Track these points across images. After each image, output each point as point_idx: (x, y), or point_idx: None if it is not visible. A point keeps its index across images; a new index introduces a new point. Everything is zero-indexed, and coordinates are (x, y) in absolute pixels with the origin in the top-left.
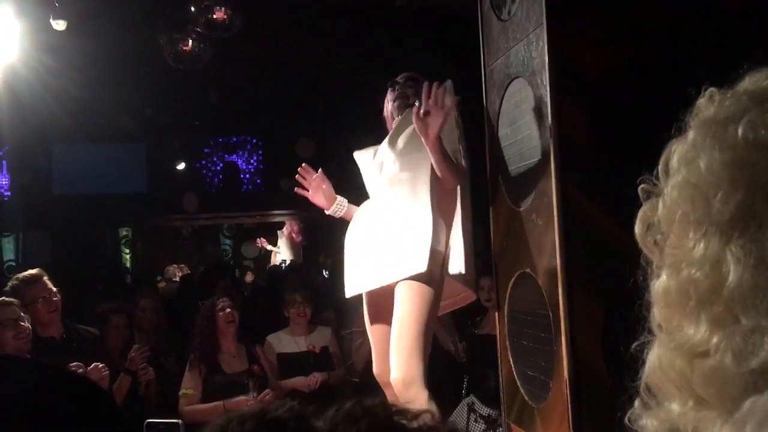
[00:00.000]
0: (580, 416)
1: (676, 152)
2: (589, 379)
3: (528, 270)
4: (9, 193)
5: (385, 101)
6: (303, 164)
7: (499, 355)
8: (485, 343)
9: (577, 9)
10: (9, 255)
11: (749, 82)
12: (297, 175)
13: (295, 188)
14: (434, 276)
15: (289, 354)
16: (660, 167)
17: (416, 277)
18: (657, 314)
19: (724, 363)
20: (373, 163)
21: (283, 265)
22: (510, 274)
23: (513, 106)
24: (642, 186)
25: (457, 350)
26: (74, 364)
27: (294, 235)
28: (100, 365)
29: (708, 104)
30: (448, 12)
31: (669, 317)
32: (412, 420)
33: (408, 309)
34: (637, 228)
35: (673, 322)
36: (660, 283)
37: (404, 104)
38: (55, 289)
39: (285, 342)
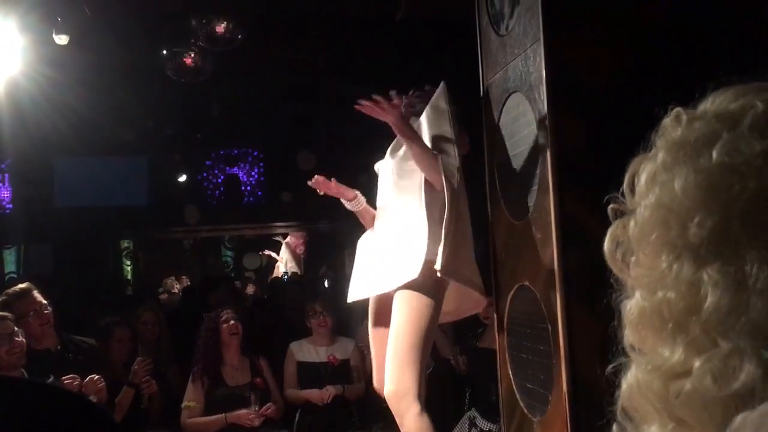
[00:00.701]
0: (579, 429)
1: (644, 171)
2: (588, 392)
3: (527, 283)
4: (11, 206)
5: None
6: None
7: (498, 368)
8: (486, 356)
9: (575, 24)
10: (10, 267)
11: (716, 104)
12: (312, 181)
13: (318, 190)
14: (431, 285)
15: (308, 363)
16: (625, 185)
17: (412, 287)
18: (630, 336)
19: (704, 386)
20: (383, 172)
21: (285, 277)
22: (509, 286)
23: (511, 120)
24: (611, 206)
25: (457, 363)
26: (69, 376)
27: (298, 249)
28: (96, 377)
29: (675, 125)
30: (447, 26)
31: (643, 339)
32: None
33: (403, 320)
34: (606, 246)
35: (648, 344)
36: (634, 305)
37: (410, 113)
38: (45, 302)
39: (306, 350)
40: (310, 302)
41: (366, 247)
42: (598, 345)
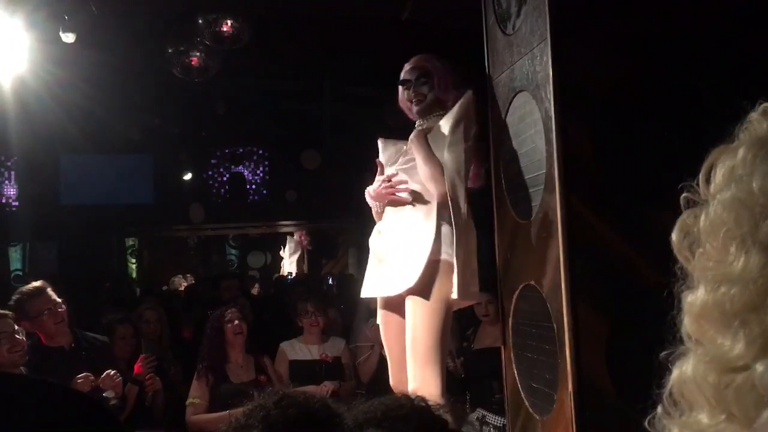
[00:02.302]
0: (585, 429)
1: (722, 164)
2: (594, 391)
3: (532, 282)
4: (17, 203)
5: (400, 94)
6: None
7: (503, 367)
8: (483, 356)
9: (581, 24)
10: (16, 264)
11: None
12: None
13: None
14: (439, 285)
15: (302, 361)
16: (701, 175)
17: (422, 291)
18: (689, 326)
19: (762, 384)
20: (388, 168)
21: (290, 276)
22: (514, 286)
23: (517, 120)
24: (684, 194)
25: (455, 366)
26: (83, 374)
27: (304, 240)
28: (113, 372)
29: (761, 120)
30: (453, 26)
31: (703, 330)
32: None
33: (418, 322)
34: (675, 235)
35: (707, 336)
36: (698, 296)
37: (423, 104)
38: (59, 300)
39: (298, 349)
40: (302, 302)
41: (377, 244)
42: (603, 344)
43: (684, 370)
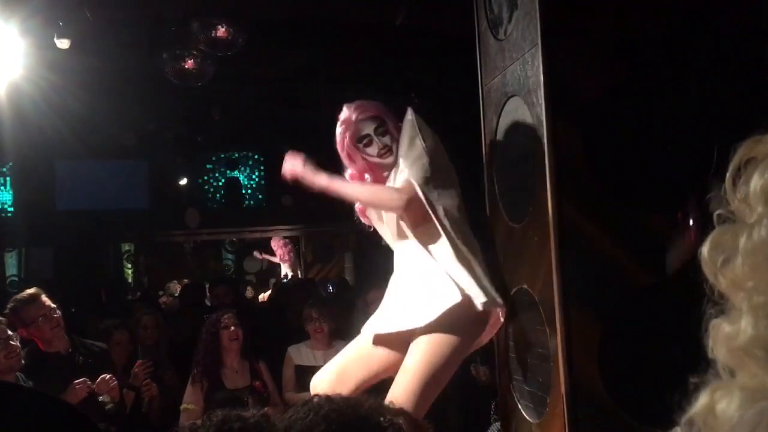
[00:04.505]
0: None
1: (760, 174)
2: (586, 394)
3: (525, 286)
4: (12, 209)
5: (351, 154)
6: None
7: (497, 371)
8: None
9: (572, 29)
10: (12, 270)
11: None
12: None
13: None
14: (459, 321)
15: (306, 367)
16: (729, 177)
17: (441, 327)
18: (726, 357)
19: None
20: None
21: (285, 279)
22: (507, 289)
23: (510, 124)
24: (718, 211)
25: (478, 373)
26: (80, 380)
27: (281, 258)
28: (108, 377)
29: None
30: (446, 31)
31: (743, 364)
32: (382, 416)
33: (426, 357)
34: (706, 251)
35: (750, 370)
36: (742, 329)
37: (393, 155)
38: (54, 306)
39: (304, 354)
40: (307, 308)
41: (393, 284)
42: (596, 348)
43: (714, 402)
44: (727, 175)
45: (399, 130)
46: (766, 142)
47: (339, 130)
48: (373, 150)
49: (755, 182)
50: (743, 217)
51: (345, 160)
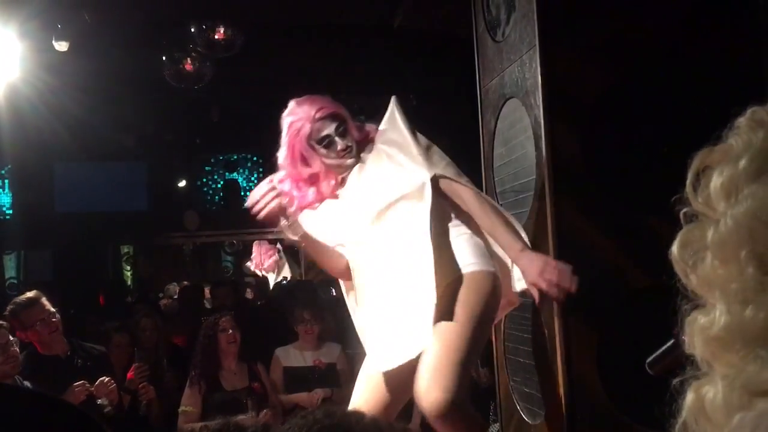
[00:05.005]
0: None
1: (719, 174)
2: (585, 396)
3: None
4: (11, 211)
5: (307, 157)
6: None
7: (496, 372)
8: None
9: (570, 31)
10: (11, 273)
11: None
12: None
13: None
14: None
15: (295, 368)
16: (689, 182)
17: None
18: (702, 349)
19: None
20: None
21: (284, 281)
22: None
23: (508, 126)
24: (684, 210)
25: (478, 375)
26: (79, 383)
27: (259, 268)
28: (106, 379)
29: (755, 127)
30: (444, 33)
31: (717, 354)
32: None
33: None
34: (676, 249)
35: (726, 360)
36: (716, 319)
37: (353, 153)
38: (53, 310)
39: (292, 356)
40: (299, 309)
41: (366, 313)
42: (594, 350)
43: (703, 395)
44: (687, 182)
45: (357, 128)
46: (718, 151)
47: (291, 128)
48: (332, 152)
49: (714, 182)
50: (708, 217)
51: (293, 162)
